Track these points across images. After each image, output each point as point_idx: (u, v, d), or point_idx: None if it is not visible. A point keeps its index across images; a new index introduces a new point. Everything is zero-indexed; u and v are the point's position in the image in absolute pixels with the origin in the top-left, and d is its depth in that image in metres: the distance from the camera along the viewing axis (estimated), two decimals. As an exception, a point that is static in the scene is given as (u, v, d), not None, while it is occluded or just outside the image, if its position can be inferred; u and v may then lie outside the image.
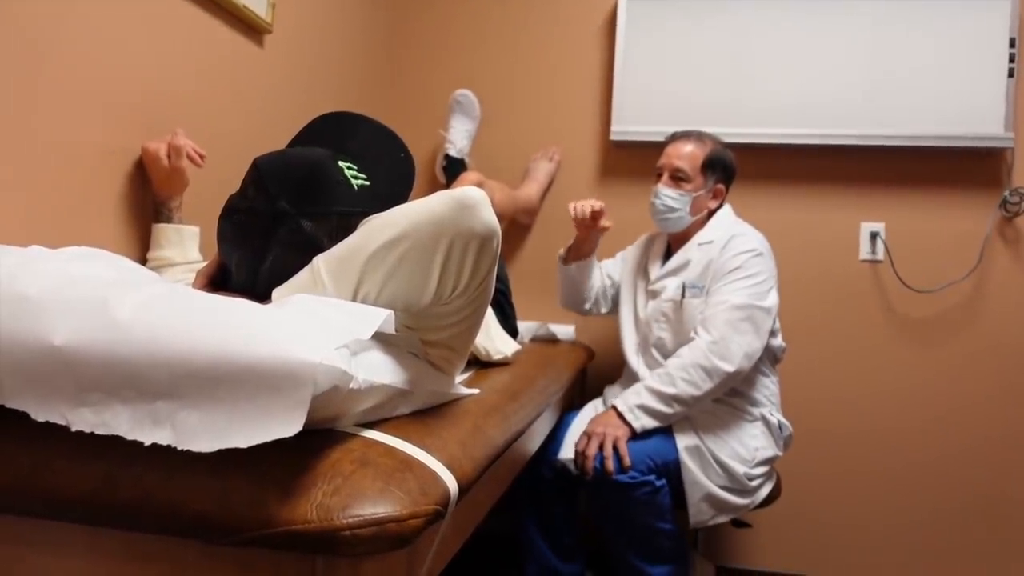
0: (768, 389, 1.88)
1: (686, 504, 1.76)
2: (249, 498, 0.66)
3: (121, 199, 1.36)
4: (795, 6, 2.27)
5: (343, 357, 0.72)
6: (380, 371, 0.83)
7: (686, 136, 1.93)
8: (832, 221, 2.32)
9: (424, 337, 0.97)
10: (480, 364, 1.52)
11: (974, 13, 2.16)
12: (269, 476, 0.68)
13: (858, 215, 2.30)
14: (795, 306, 2.28)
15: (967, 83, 2.16)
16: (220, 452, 0.64)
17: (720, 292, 1.78)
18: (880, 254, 2.28)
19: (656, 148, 1.99)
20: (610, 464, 1.67)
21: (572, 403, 2.11)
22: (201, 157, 1.40)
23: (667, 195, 1.88)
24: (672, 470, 1.74)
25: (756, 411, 1.84)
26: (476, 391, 1.15)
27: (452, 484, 0.79)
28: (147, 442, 0.65)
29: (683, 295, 1.85)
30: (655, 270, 1.98)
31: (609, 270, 2.15)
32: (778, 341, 1.90)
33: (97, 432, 0.66)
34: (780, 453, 1.86)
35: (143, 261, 1.40)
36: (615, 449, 1.68)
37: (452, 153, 2.41)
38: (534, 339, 2.19)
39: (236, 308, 0.71)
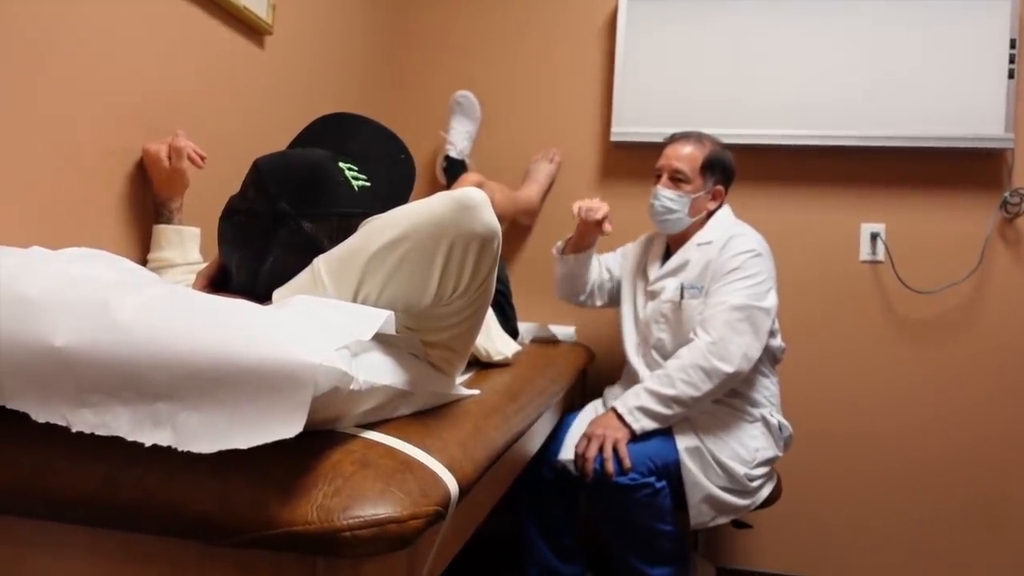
0: (768, 390, 1.88)
1: (686, 505, 1.76)
2: (250, 499, 0.66)
3: (121, 200, 1.36)
4: (795, 7, 2.27)
5: (344, 358, 0.72)
6: (380, 372, 0.83)
7: (685, 137, 1.93)
8: (832, 222, 2.32)
9: (424, 338, 0.97)
10: (480, 365, 1.52)
11: (974, 14, 2.16)
12: (270, 477, 0.68)
13: (858, 216, 2.30)
14: (796, 307, 2.28)
15: (967, 84, 2.16)
16: (221, 453, 0.64)
17: (719, 293, 1.78)
18: (880, 255, 2.28)
19: (656, 149, 1.99)
20: (610, 466, 1.67)
21: (572, 404, 2.11)
22: (202, 158, 1.40)
23: (666, 196, 1.88)
24: (672, 471, 1.73)
25: (756, 412, 1.83)
26: (476, 392, 1.15)
27: (452, 485, 0.79)
28: (148, 443, 0.65)
29: (682, 296, 1.85)
30: (654, 271, 1.98)
31: (609, 264, 2.15)
32: (778, 342, 1.89)
33: (97, 433, 0.66)
34: (780, 454, 1.86)
35: (143, 262, 1.40)
36: (615, 451, 1.68)
37: (452, 154, 2.41)
38: (534, 340, 2.20)
39: (236, 309, 0.71)
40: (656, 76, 2.35)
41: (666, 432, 1.76)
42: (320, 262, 0.92)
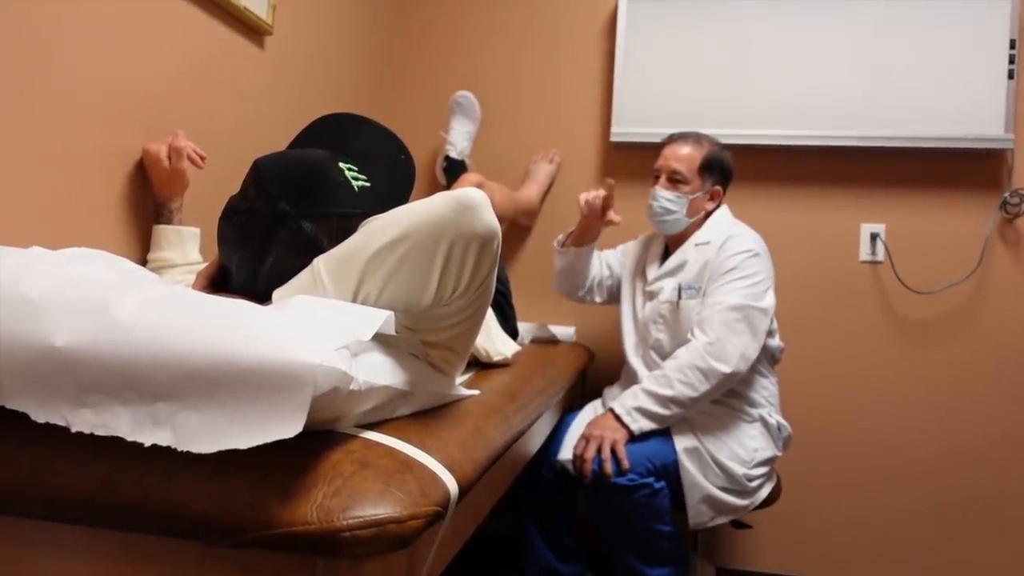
0: (767, 390, 1.88)
1: (685, 506, 1.76)
2: (249, 499, 0.66)
3: (121, 200, 1.36)
4: (795, 7, 2.27)
5: (343, 358, 0.72)
6: (380, 372, 0.83)
7: (683, 138, 1.93)
8: (832, 222, 2.32)
9: (424, 338, 0.98)
10: (480, 365, 1.52)
11: (974, 14, 2.16)
12: (269, 477, 0.68)
13: (858, 216, 2.30)
14: (795, 307, 2.28)
15: (967, 84, 2.16)
16: (220, 453, 0.64)
17: (716, 293, 1.78)
18: (880, 255, 2.28)
19: (656, 149, 1.99)
20: (608, 467, 1.67)
21: (572, 404, 2.11)
22: (202, 158, 1.40)
23: (664, 197, 1.88)
24: (671, 472, 1.73)
25: (755, 412, 1.83)
26: (476, 392, 1.15)
27: (452, 485, 0.79)
28: (147, 443, 0.65)
29: (680, 296, 1.85)
30: (652, 271, 1.98)
31: (609, 260, 2.14)
32: (776, 342, 1.90)
33: (97, 433, 0.66)
34: (779, 454, 1.86)
35: (143, 262, 1.40)
36: (613, 452, 1.68)
37: (452, 154, 2.41)
38: (534, 340, 2.20)
39: (236, 309, 0.71)
40: (656, 76, 2.35)
41: (665, 432, 1.76)
42: (320, 262, 0.92)
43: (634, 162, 2.41)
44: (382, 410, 0.86)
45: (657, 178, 1.91)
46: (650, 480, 1.69)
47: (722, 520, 1.78)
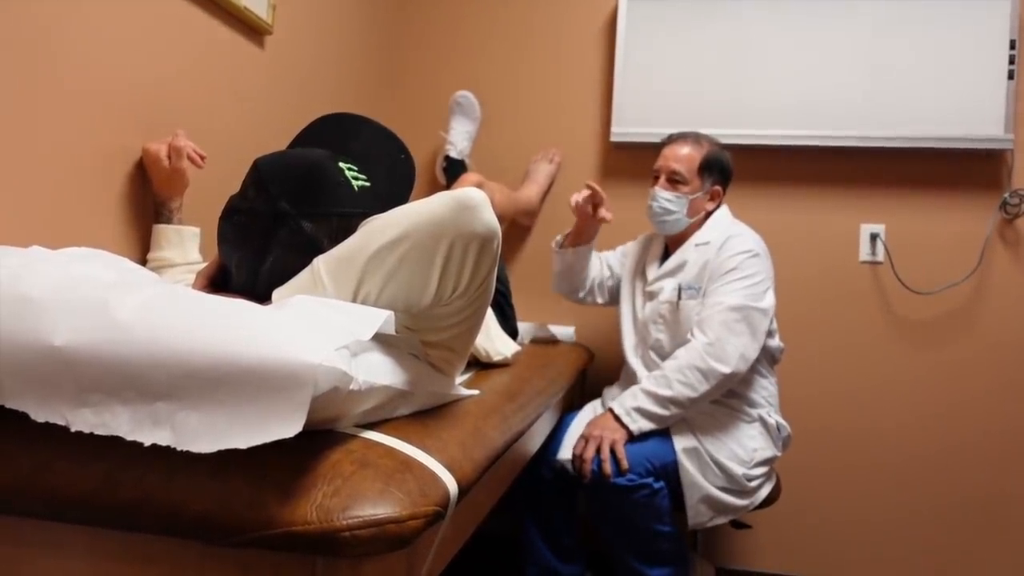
0: (766, 390, 1.88)
1: (685, 506, 1.76)
2: (249, 499, 0.66)
3: (121, 200, 1.36)
4: (795, 7, 2.27)
5: (343, 358, 0.72)
6: (380, 372, 0.83)
7: (683, 138, 1.93)
8: (832, 222, 2.32)
9: (424, 338, 0.98)
10: (480, 365, 1.52)
11: (974, 15, 2.16)
12: (269, 477, 0.68)
13: (858, 216, 2.30)
14: (795, 307, 2.28)
15: (967, 85, 2.16)
16: (220, 453, 0.64)
17: (716, 293, 1.78)
18: (880, 255, 2.28)
19: (656, 149, 1.99)
20: (607, 467, 1.67)
21: (572, 404, 2.11)
22: (202, 158, 1.40)
23: (664, 198, 1.88)
24: (670, 472, 1.74)
25: (754, 412, 1.83)
26: (476, 392, 1.15)
27: (452, 485, 0.79)
28: (147, 443, 0.65)
29: (679, 296, 1.85)
30: (652, 271, 1.98)
31: (610, 261, 2.14)
32: (776, 342, 1.90)
33: (97, 433, 0.66)
34: (779, 454, 1.86)
35: (143, 262, 1.40)
36: (612, 452, 1.68)
37: (452, 154, 2.41)
38: (534, 340, 2.20)
39: (236, 309, 0.71)
40: (656, 76, 2.35)
41: (664, 433, 1.76)
42: (320, 262, 0.92)
43: (634, 162, 2.41)
44: (382, 410, 0.86)
45: (657, 178, 1.91)
46: (649, 480, 1.69)
47: (721, 520, 1.78)
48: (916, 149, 2.21)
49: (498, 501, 1.27)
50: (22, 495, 0.70)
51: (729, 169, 1.93)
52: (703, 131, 1.98)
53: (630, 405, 1.74)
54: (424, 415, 0.96)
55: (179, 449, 0.64)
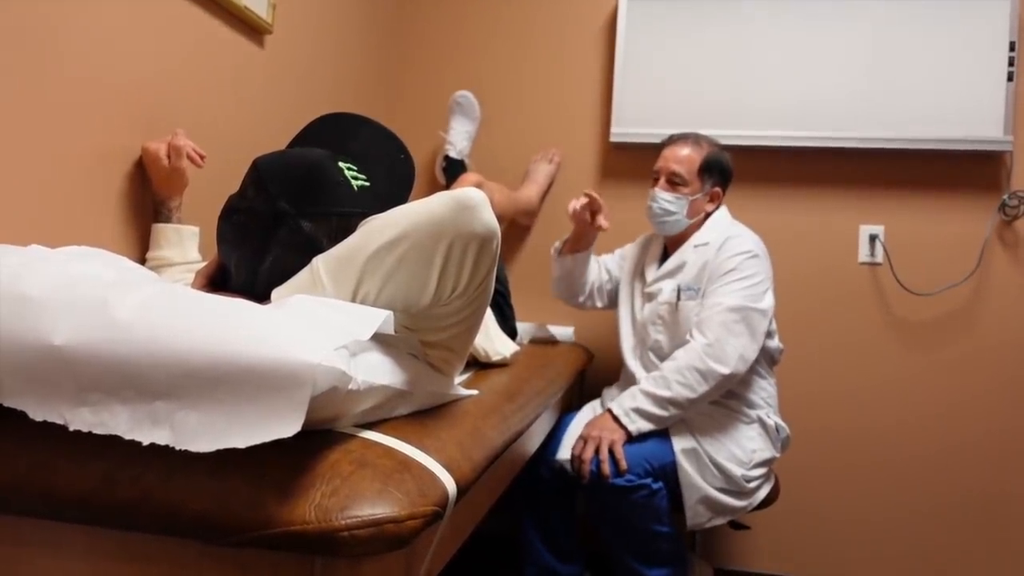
0: (765, 391, 1.88)
1: (683, 506, 1.76)
2: (248, 499, 0.66)
3: (121, 199, 1.36)
4: (795, 9, 2.28)
5: (342, 358, 0.72)
6: (379, 372, 0.83)
7: (683, 139, 1.93)
8: (831, 223, 2.32)
9: (423, 338, 0.98)
10: (479, 365, 1.52)
11: (974, 16, 2.16)
12: (268, 477, 0.68)
13: (857, 218, 2.31)
14: (794, 308, 2.28)
15: (967, 86, 2.16)
16: (219, 453, 0.64)
17: (715, 294, 1.78)
18: (879, 257, 2.29)
19: (656, 150, 1.99)
20: (606, 468, 1.67)
21: (571, 404, 2.11)
22: (201, 157, 1.40)
23: (664, 199, 1.88)
24: (669, 473, 1.74)
25: (753, 413, 1.84)
26: (475, 392, 1.15)
27: (451, 485, 0.79)
28: (145, 442, 0.65)
29: (678, 297, 1.85)
30: (651, 272, 1.98)
31: (608, 265, 2.15)
32: (775, 343, 1.90)
33: (96, 432, 0.66)
34: (777, 455, 1.86)
35: (142, 261, 1.40)
36: (611, 453, 1.68)
37: (452, 154, 2.41)
38: (533, 340, 2.20)
39: (235, 308, 0.71)
40: (656, 77, 2.35)
41: (663, 433, 1.76)
42: (319, 262, 0.92)
43: (634, 162, 2.41)
44: (381, 410, 0.86)
45: (656, 179, 1.91)
46: (648, 481, 1.69)
47: (720, 521, 1.79)
48: (915, 150, 2.21)
49: (497, 501, 1.27)
50: (20, 494, 0.70)
51: (729, 170, 1.93)
52: (703, 132, 1.98)
53: (629, 406, 1.74)
54: (423, 415, 0.96)
55: (178, 448, 0.64)
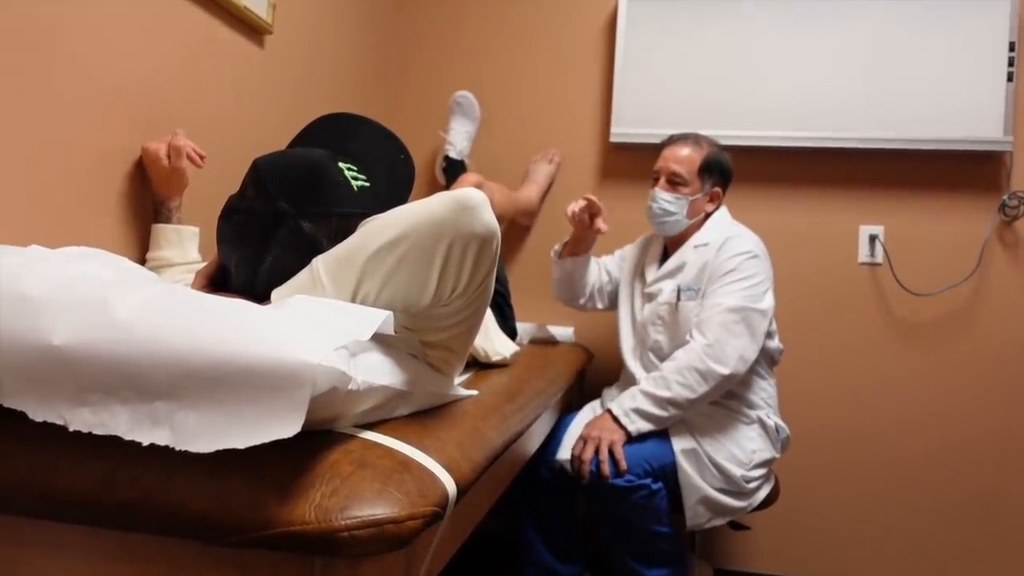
0: (765, 391, 1.88)
1: (683, 507, 1.76)
2: (248, 499, 0.66)
3: (121, 199, 1.36)
4: (795, 9, 2.28)
5: (342, 358, 0.72)
6: (379, 372, 0.83)
7: (683, 139, 1.93)
8: (831, 224, 2.32)
9: (423, 338, 0.98)
10: (479, 365, 1.52)
11: (974, 17, 2.16)
12: (268, 477, 0.68)
13: (857, 218, 2.31)
14: (794, 309, 2.28)
15: (966, 87, 2.16)
16: (219, 453, 0.64)
17: (715, 295, 1.78)
18: (879, 257, 2.29)
19: (656, 150, 1.99)
20: (606, 468, 1.67)
21: (570, 405, 2.11)
22: (201, 157, 1.40)
23: (664, 199, 1.88)
24: (669, 473, 1.74)
25: (753, 414, 1.84)
26: (475, 392, 1.15)
27: (450, 485, 0.79)
28: (145, 442, 0.65)
29: (678, 298, 1.85)
30: (651, 272, 1.98)
31: (608, 266, 2.15)
32: (775, 343, 1.90)
33: (96, 432, 0.66)
34: (777, 455, 1.86)
35: (142, 261, 1.40)
36: (611, 453, 1.68)
37: (452, 154, 2.41)
38: (533, 341, 2.20)
39: (235, 309, 0.71)
40: (656, 77, 2.35)
41: (662, 434, 1.76)
42: (319, 262, 0.92)
43: (633, 163, 2.41)
44: (380, 410, 0.86)
45: (656, 179, 1.91)
46: (647, 481, 1.69)
47: (719, 521, 1.79)
48: (915, 151, 2.21)
49: (497, 501, 1.27)
50: (20, 494, 0.70)
51: (729, 171, 1.93)
52: (703, 132, 1.98)
53: (628, 406, 1.74)
54: (423, 415, 0.96)
55: (178, 449, 0.64)
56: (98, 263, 0.88)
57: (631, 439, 1.72)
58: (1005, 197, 2.21)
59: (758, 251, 1.83)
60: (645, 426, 1.73)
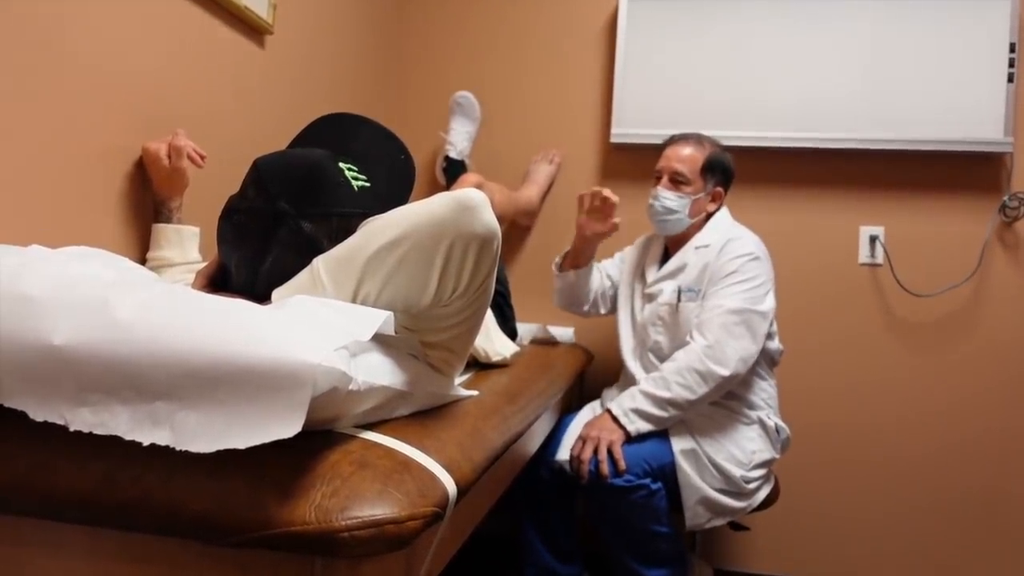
0: (766, 392, 1.88)
1: (683, 507, 1.76)
2: (248, 499, 0.66)
3: (121, 199, 1.36)
4: (795, 10, 2.28)
5: (343, 358, 0.72)
6: (379, 372, 0.83)
7: (685, 139, 1.93)
8: (831, 225, 2.32)
9: (424, 339, 0.98)
10: (479, 366, 1.52)
11: (974, 17, 2.16)
12: (268, 477, 0.68)
13: (857, 219, 2.31)
14: (794, 309, 2.28)
15: (967, 87, 2.16)
16: (219, 453, 0.64)
17: (716, 296, 1.78)
18: (879, 258, 2.29)
19: (656, 151, 1.99)
20: (605, 468, 1.67)
21: (570, 405, 2.11)
22: (202, 157, 1.40)
23: (666, 198, 1.88)
24: (668, 473, 1.74)
25: (753, 414, 1.84)
26: (475, 393, 1.15)
27: (451, 486, 0.79)
28: (146, 442, 0.65)
29: (679, 299, 1.85)
30: (652, 273, 1.98)
31: (608, 270, 2.14)
32: (775, 344, 1.90)
33: (96, 432, 0.66)
34: (777, 456, 1.86)
35: (143, 261, 1.40)
36: (610, 453, 1.68)
37: (452, 155, 2.41)
38: (533, 341, 2.20)
39: (236, 309, 0.71)
40: (656, 78, 2.35)
41: (662, 434, 1.76)
42: (319, 262, 0.92)
43: (634, 163, 2.41)
44: (381, 410, 0.86)
45: (659, 178, 1.91)
46: (647, 481, 1.69)
47: (719, 522, 1.79)
48: (916, 152, 2.21)
49: (497, 502, 1.27)
50: (20, 494, 0.70)
51: (731, 170, 1.93)
52: (704, 132, 1.97)
53: (628, 406, 1.74)
54: (423, 416, 0.96)
55: (178, 449, 0.64)
56: (99, 263, 0.88)
57: (630, 439, 1.72)
58: (1005, 198, 2.21)
59: (759, 253, 1.83)
60: (644, 426, 1.73)
